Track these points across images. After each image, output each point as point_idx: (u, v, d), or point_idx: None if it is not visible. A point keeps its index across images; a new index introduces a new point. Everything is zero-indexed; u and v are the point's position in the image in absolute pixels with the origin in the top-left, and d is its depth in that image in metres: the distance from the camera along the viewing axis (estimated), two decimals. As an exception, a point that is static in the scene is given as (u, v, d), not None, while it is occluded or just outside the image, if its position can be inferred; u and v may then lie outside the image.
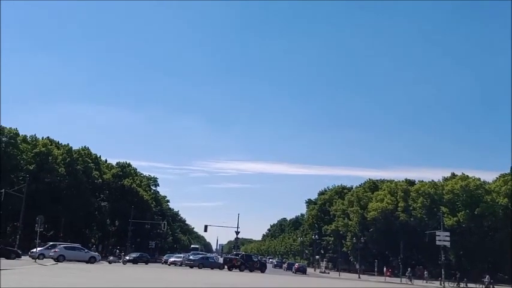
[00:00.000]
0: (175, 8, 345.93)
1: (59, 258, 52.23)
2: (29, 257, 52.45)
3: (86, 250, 60.72)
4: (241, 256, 73.75)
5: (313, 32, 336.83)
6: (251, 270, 67.05)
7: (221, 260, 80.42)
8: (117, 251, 79.12)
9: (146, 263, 71.33)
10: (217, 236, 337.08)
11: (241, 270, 65.67)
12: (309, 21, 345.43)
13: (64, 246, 56.66)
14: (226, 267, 68.12)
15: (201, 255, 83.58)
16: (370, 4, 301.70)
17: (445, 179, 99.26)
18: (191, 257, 77.08)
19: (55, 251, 53.88)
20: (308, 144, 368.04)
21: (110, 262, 64.22)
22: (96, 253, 63.68)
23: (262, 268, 71.38)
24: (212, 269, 65.67)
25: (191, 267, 67.16)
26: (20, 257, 48.56)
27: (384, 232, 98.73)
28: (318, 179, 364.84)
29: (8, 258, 48.19)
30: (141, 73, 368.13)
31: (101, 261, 59.57)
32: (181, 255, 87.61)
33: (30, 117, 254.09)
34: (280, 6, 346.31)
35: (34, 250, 53.78)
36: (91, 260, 55.23)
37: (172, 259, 77.06)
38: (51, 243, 55.09)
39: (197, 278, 39.85)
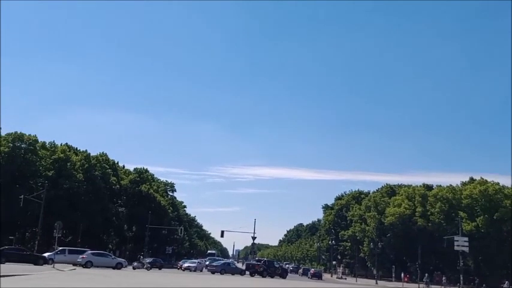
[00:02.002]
0: (194, 12, 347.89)
1: (86, 264, 53.06)
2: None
3: (112, 256, 61.75)
4: (263, 262, 74.06)
5: (330, 36, 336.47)
6: (272, 276, 67.48)
7: (240, 265, 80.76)
8: (141, 257, 79.45)
9: (160, 268, 71.52)
10: (234, 242, 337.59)
11: (263, 276, 66.11)
12: (327, 25, 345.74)
13: (91, 253, 57.52)
14: (248, 272, 68.59)
15: (222, 261, 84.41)
16: (384, 6, 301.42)
17: (464, 184, 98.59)
18: (213, 263, 77.73)
19: (83, 257, 54.69)
20: (325, 149, 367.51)
21: (134, 268, 64.37)
22: (123, 259, 64.13)
23: (283, 274, 71.88)
24: (233, 274, 66.21)
25: (213, 272, 67.83)
26: (48, 263, 48.98)
27: (402, 237, 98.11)
28: (334, 184, 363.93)
29: (36, 264, 48.58)
30: (158, 79, 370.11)
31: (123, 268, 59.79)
32: (196, 260, 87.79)
33: (49, 123, 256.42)
34: (298, 10, 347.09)
35: (44, 255, 54.43)
36: (118, 266, 55.86)
37: (186, 264, 77.30)
38: (60, 248, 55.64)
39: (225, 283, 40.42)
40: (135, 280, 36.61)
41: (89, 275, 37.77)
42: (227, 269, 69.91)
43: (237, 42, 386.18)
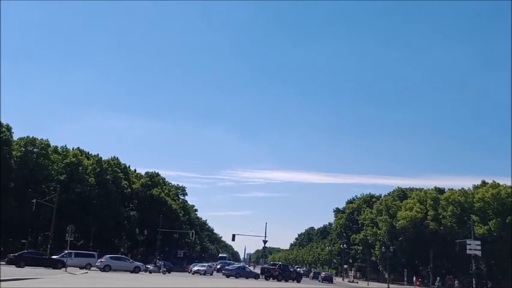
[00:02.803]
0: (205, 16, 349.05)
1: (105, 268, 53.68)
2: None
3: (130, 260, 62.64)
4: (279, 266, 74.45)
5: (338, 39, 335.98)
6: (286, 280, 68.04)
7: (253, 269, 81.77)
8: (157, 260, 79.86)
9: (169, 272, 71.79)
10: (245, 245, 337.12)
11: (278, 280, 66.66)
12: (337, 29, 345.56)
13: (110, 257, 58.43)
14: (262, 276, 69.02)
15: (237, 265, 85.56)
16: (389, 8, 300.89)
17: (476, 187, 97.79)
18: (228, 267, 79.11)
19: (101, 261, 55.38)
20: (336, 153, 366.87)
21: (150, 272, 64.52)
22: (141, 263, 64.45)
23: (297, 278, 72.71)
24: (247, 278, 66.75)
25: (228, 276, 68.43)
26: (66, 267, 49.33)
27: (414, 241, 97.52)
28: (346, 188, 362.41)
29: (54, 267, 48.70)
30: (170, 83, 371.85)
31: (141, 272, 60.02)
32: (206, 264, 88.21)
33: (61, 128, 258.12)
34: (308, 14, 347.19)
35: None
36: (135, 270, 56.55)
37: (196, 268, 77.70)
38: (66, 251, 56.19)
39: (245, 286, 40.59)
40: (149, 281, 36.80)
41: (101, 278, 38.00)
42: (242, 273, 70.61)
43: (247, 45, 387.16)
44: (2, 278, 26.19)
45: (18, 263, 48.50)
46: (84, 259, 56.64)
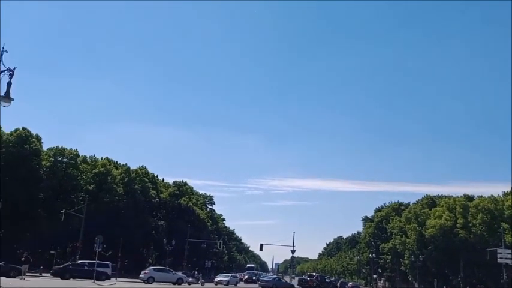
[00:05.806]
0: (234, 31, 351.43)
1: (148, 280, 54.34)
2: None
3: (174, 272, 63.19)
4: (316, 278, 74.87)
5: (367, 51, 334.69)
6: None
7: (286, 280, 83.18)
8: (196, 272, 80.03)
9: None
10: (273, 255, 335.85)
11: None
12: (363, 41, 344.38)
13: (153, 268, 59.69)
14: None
15: (273, 277, 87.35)
16: (412, 23, 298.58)
17: (505, 194, 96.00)
18: (265, 278, 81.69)
19: (145, 273, 56.11)
20: (364, 161, 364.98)
21: (189, 283, 64.66)
22: (184, 275, 64.84)
23: None
24: None
25: None
26: (110, 279, 49.80)
27: (443, 250, 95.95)
28: (374, 196, 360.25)
29: (98, 279, 49.02)
30: (197, 93, 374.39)
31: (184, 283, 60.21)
32: (229, 274, 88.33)
33: (90, 138, 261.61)
34: (333, 28, 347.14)
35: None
36: (178, 281, 57.23)
37: (218, 278, 77.93)
38: (80, 261, 56.71)
39: None
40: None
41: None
42: (278, 284, 71.14)
43: (273, 54, 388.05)
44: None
45: (63, 275, 49.23)
46: (98, 268, 56.85)
